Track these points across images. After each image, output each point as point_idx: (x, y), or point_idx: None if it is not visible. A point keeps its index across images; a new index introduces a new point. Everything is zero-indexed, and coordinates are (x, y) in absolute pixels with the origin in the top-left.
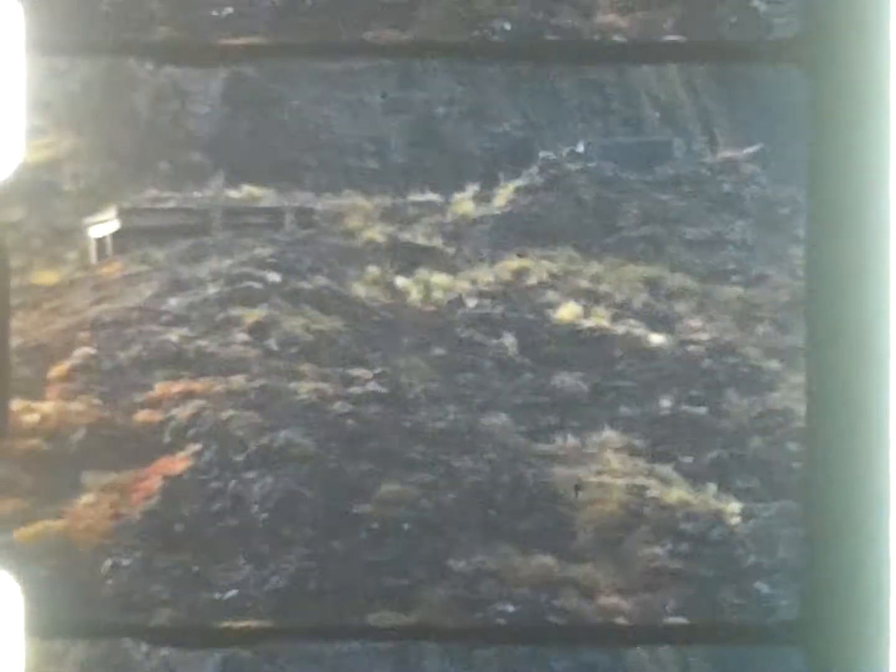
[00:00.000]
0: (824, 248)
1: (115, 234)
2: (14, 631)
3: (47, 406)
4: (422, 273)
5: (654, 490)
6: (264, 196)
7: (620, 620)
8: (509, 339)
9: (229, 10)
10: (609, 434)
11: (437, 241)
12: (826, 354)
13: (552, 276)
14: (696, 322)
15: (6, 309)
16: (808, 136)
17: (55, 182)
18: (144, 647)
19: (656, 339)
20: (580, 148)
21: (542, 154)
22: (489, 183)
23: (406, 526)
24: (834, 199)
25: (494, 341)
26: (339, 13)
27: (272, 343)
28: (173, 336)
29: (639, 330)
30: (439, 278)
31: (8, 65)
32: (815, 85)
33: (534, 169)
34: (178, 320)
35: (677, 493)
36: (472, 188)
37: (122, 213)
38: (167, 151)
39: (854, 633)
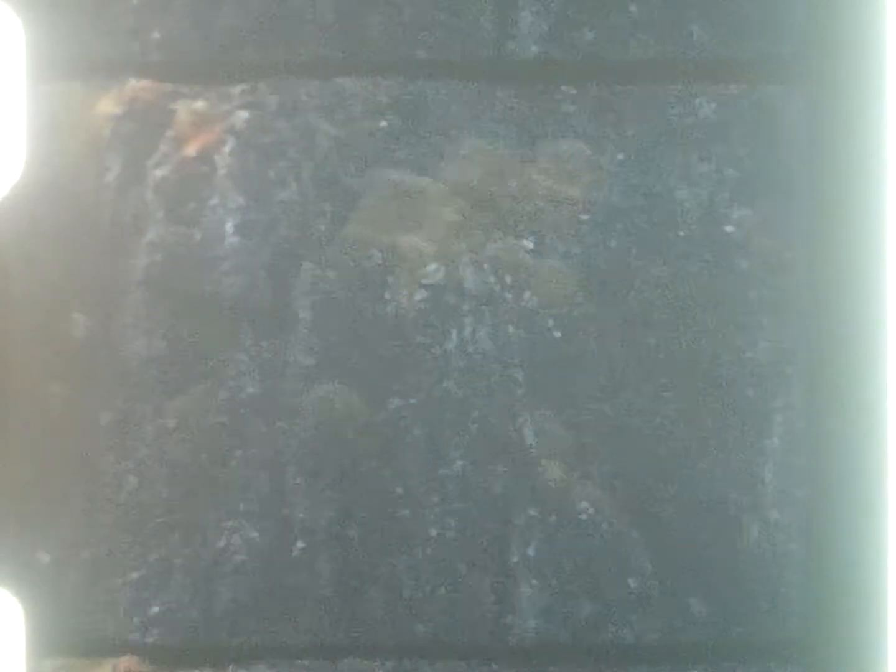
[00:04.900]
0: (825, 267)
1: None
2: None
3: None
4: None
5: None
6: None
7: None
8: None
9: None
10: None
11: None
12: (824, 365)
13: None
14: None
15: None
16: (809, 157)
17: None
18: None
19: None
20: None
21: None
22: None
23: None
24: (834, 215)
25: None
26: None
27: None
28: None
29: None
30: None
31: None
32: (813, 104)
33: None
34: None
35: None
36: None
37: None
38: None
39: (853, 653)
